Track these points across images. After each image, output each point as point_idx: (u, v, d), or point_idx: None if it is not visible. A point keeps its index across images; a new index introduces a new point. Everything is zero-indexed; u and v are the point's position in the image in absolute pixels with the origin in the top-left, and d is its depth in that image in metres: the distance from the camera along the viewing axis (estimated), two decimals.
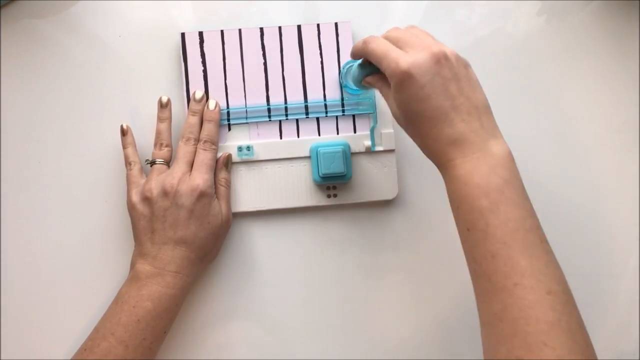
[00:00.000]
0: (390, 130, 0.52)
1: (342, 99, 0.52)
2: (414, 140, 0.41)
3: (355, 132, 0.52)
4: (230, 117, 0.52)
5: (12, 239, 0.52)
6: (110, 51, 0.53)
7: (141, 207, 0.47)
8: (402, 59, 0.37)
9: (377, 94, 0.52)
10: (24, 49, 0.53)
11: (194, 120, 0.50)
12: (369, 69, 0.43)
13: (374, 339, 0.53)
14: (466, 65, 0.39)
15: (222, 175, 0.51)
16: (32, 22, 0.53)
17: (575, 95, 0.54)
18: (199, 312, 0.52)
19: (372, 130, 0.52)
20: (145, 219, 0.47)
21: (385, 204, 0.53)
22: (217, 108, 0.51)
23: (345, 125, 0.52)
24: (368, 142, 0.52)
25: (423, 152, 0.40)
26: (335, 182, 0.51)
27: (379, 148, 0.52)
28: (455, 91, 0.38)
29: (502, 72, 0.54)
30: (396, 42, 0.39)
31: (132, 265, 0.47)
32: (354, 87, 0.51)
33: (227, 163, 0.51)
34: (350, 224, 0.53)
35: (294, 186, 0.52)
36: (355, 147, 0.52)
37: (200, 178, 0.47)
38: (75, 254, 0.52)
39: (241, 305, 0.52)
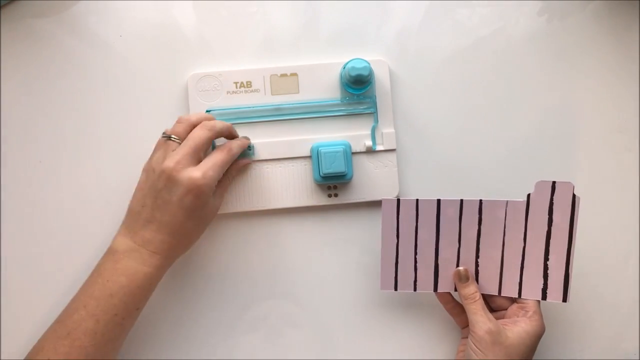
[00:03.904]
0: (391, 129, 0.52)
1: (343, 99, 0.52)
2: None
3: (356, 131, 0.52)
4: (232, 116, 0.52)
5: (12, 239, 0.52)
6: (111, 51, 0.53)
7: (143, 177, 0.47)
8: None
9: (378, 93, 0.52)
10: (25, 49, 0.53)
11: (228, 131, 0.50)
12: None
13: (374, 339, 0.53)
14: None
15: (233, 174, 0.51)
16: (32, 21, 0.53)
17: (576, 95, 0.54)
18: (202, 316, 0.52)
19: (373, 130, 0.52)
20: (142, 191, 0.46)
21: None
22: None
23: (346, 124, 0.52)
24: (369, 142, 0.52)
25: None
26: (336, 181, 0.51)
27: (379, 147, 0.52)
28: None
29: (502, 72, 0.54)
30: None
31: (115, 237, 0.47)
32: (354, 87, 0.51)
33: (242, 169, 0.52)
34: (351, 223, 0.53)
35: (295, 186, 0.52)
36: (356, 147, 0.52)
37: (204, 175, 0.44)
38: (76, 253, 0.52)
39: (242, 304, 0.52)
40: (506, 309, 0.48)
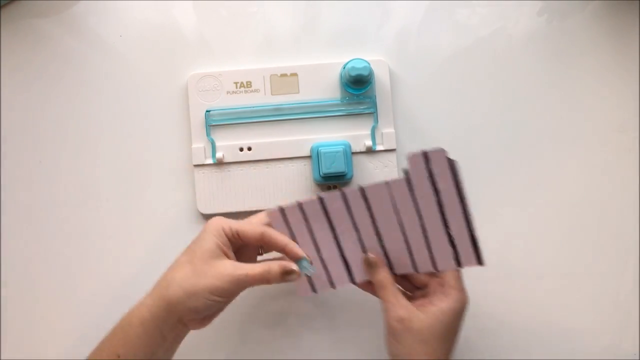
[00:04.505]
0: (391, 129, 0.52)
1: (343, 99, 0.52)
2: (412, 357, 0.42)
3: (356, 131, 0.52)
4: (232, 116, 0.52)
5: (12, 239, 0.52)
6: (111, 51, 0.53)
7: None
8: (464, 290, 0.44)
9: (378, 93, 0.52)
10: (25, 48, 0.53)
11: None
12: None
13: (373, 339, 0.53)
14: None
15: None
16: (32, 21, 0.53)
17: (576, 95, 0.54)
18: None
19: (372, 130, 0.52)
20: None
21: None
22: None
23: (346, 124, 0.52)
24: (369, 142, 0.52)
25: None
26: (336, 181, 0.51)
27: (379, 147, 0.52)
28: (456, 339, 0.45)
29: (502, 72, 0.54)
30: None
31: None
32: (354, 87, 0.51)
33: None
34: None
35: (295, 186, 0.52)
36: (356, 147, 0.52)
37: (220, 219, 0.43)
38: (75, 254, 0.52)
39: (241, 304, 0.52)
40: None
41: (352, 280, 0.46)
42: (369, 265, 0.45)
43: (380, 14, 0.54)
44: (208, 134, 0.52)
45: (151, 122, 0.53)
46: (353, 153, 0.52)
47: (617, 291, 0.53)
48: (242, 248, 0.45)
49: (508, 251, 0.53)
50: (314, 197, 0.44)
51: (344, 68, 0.51)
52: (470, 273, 0.52)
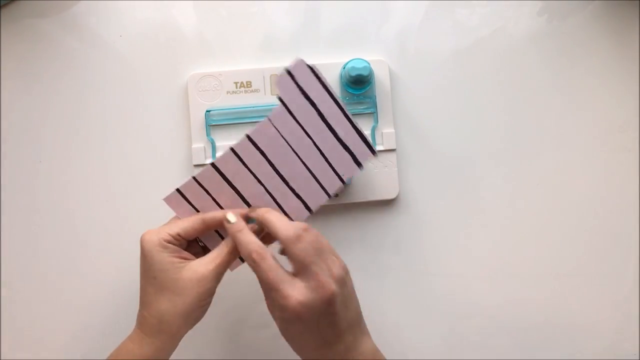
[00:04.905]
0: (391, 130, 0.52)
1: (343, 99, 0.52)
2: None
3: None
4: (232, 116, 0.52)
5: (12, 239, 0.52)
6: (112, 51, 0.53)
7: None
8: (293, 296, 0.37)
9: (378, 93, 0.52)
10: (25, 48, 0.53)
11: None
12: None
13: (373, 339, 0.53)
14: (349, 283, 0.40)
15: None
16: (32, 21, 0.53)
17: (576, 96, 0.54)
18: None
19: (373, 130, 0.52)
20: None
21: (386, 204, 0.53)
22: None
23: None
24: None
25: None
26: None
27: (379, 148, 0.52)
28: (340, 323, 0.39)
29: (502, 72, 0.54)
30: (298, 261, 0.38)
31: None
32: (354, 87, 0.51)
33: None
34: (350, 224, 0.53)
35: None
36: None
37: (153, 231, 0.43)
38: (76, 253, 0.52)
39: (241, 304, 0.52)
40: None
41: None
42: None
43: (380, 14, 0.54)
44: (208, 134, 0.52)
45: (151, 122, 0.53)
46: None
47: (617, 291, 0.53)
48: (188, 247, 0.44)
49: (507, 251, 0.53)
50: (207, 166, 0.44)
51: (344, 68, 0.51)
52: (470, 273, 0.52)
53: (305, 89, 0.44)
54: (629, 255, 0.54)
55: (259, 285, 0.40)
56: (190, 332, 0.43)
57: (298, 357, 0.41)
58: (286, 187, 0.45)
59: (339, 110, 0.44)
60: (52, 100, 0.52)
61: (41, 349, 0.51)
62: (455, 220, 0.53)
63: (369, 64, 0.50)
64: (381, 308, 0.53)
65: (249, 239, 0.40)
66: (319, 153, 0.45)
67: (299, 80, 0.43)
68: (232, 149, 0.44)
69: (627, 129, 0.54)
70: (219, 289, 0.42)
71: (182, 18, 0.53)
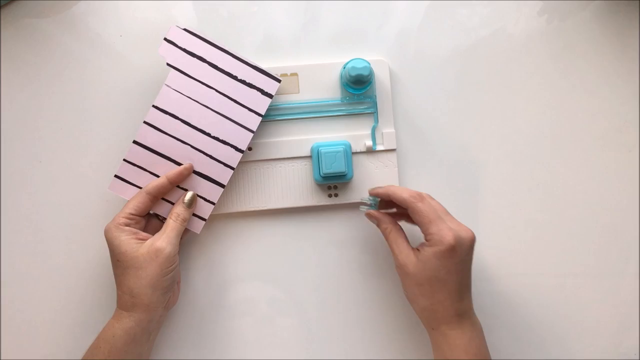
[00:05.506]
0: (391, 129, 0.52)
1: (343, 99, 0.52)
2: (417, 299, 0.45)
3: (356, 131, 0.52)
4: None
5: (12, 239, 0.52)
6: (111, 51, 0.53)
7: None
8: (452, 228, 0.43)
9: (378, 93, 0.52)
10: (24, 48, 0.53)
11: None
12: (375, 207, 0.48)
13: (374, 339, 0.53)
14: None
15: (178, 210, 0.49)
16: (32, 21, 0.53)
17: (576, 95, 0.54)
18: (196, 309, 0.52)
19: (373, 130, 0.52)
20: None
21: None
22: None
23: (346, 124, 0.52)
24: (369, 142, 0.52)
25: (421, 311, 0.46)
26: (336, 181, 0.51)
27: (380, 147, 0.52)
28: (469, 271, 0.45)
29: (502, 72, 0.54)
30: (430, 212, 0.44)
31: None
32: (354, 87, 0.51)
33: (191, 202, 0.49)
34: (351, 223, 0.53)
35: (295, 186, 0.52)
36: (356, 147, 0.52)
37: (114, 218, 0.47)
38: (76, 253, 0.52)
39: (241, 304, 0.52)
40: None
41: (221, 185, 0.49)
42: (371, 218, 0.49)
43: (381, 14, 0.54)
44: None
45: None
46: (353, 153, 0.52)
47: (617, 291, 0.53)
48: (148, 225, 0.49)
49: (508, 251, 0.53)
50: (131, 145, 0.48)
51: (344, 68, 0.51)
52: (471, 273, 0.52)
53: (189, 49, 0.48)
54: (629, 255, 0.54)
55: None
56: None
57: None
58: (210, 139, 0.48)
59: (230, 57, 0.48)
60: (52, 100, 0.52)
61: (41, 349, 0.51)
62: None
63: (369, 63, 0.50)
64: (381, 308, 0.53)
65: (401, 188, 0.47)
66: (227, 99, 0.48)
67: (179, 43, 0.48)
68: (145, 122, 0.48)
69: (627, 129, 0.54)
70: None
71: (182, 18, 0.53)
